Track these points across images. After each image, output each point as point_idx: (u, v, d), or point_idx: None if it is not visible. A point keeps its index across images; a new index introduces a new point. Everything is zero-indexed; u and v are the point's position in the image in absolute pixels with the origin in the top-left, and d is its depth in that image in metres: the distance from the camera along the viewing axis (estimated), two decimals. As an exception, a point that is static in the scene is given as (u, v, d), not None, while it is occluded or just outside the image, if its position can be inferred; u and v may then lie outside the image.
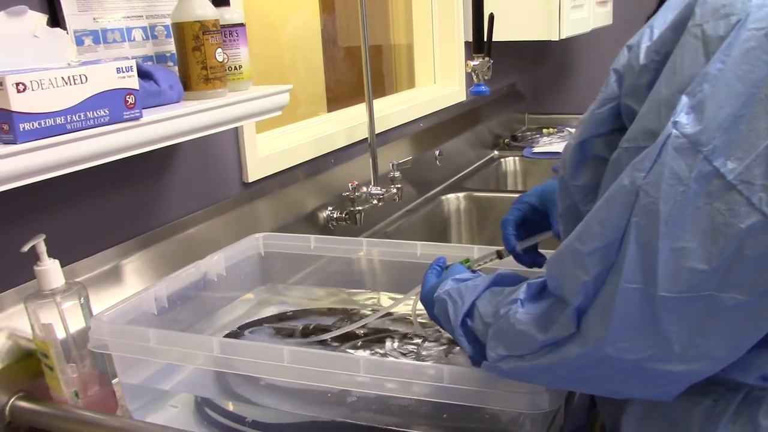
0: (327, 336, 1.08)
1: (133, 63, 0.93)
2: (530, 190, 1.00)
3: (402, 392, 0.81)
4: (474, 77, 1.77)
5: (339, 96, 2.56)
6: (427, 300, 0.87)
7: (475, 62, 1.75)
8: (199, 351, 0.91)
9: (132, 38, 1.12)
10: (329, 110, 2.22)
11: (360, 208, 1.65)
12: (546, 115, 3.00)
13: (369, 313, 1.18)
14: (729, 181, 0.56)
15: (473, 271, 0.92)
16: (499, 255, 1.01)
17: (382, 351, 1.06)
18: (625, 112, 0.66)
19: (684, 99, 0.58)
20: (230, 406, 0.99)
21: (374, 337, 1.09)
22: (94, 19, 1.06)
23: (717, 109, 0.56)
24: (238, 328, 1.17)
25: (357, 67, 2.68)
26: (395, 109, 2.04)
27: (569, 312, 0.64)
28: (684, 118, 0.57)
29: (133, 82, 0.93)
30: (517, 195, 2.27)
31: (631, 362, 0.61)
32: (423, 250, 1.18)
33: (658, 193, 0.57)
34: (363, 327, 1.10)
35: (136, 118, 0.94)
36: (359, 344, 1.08)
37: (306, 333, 1.12)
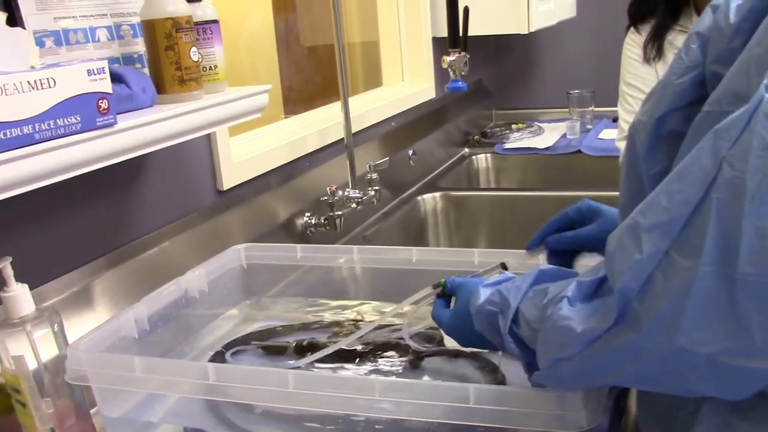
0: (324, 352, 1.01)
1: (104, 64, 0.84)
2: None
3: (423, 415, 0.74)
4: (450, 73, 1.71)
5: (296, 98, 2.48)
6: (456, 321, 0.82)
7: (452, 57, 1.69)
8: (191, 379, 0.83)
9: (96, 39, 1.03)
10: (286, 113, 2.14)
11: (339, 212, 1.58)
12: (513, 110, 2.96)
13: (362, 322, 1.11)
14: None
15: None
16: (504, 267, 0.95)
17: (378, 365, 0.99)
18: (711, 81, 0.59)
19: None
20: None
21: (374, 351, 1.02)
22: (55, 18, 0.97)
23: None
24: (224, 347, 1.09)
25: (314, 69, 2.61)
26: (366, 108, 1.97)
27: (612, 297, 0.57)
28: None
29: (105, 85, 0.84)
30: (493, 192, 2.26)
31: (706, 356, 0.54)
32: (419, 256, 1.11)
33: (744, 165, 0.51)
34: (360, 340, 1.03)
35: (111, 125, 0.85)
36: (357, 360, 1.01)
37: (300, 350, 1.05)
